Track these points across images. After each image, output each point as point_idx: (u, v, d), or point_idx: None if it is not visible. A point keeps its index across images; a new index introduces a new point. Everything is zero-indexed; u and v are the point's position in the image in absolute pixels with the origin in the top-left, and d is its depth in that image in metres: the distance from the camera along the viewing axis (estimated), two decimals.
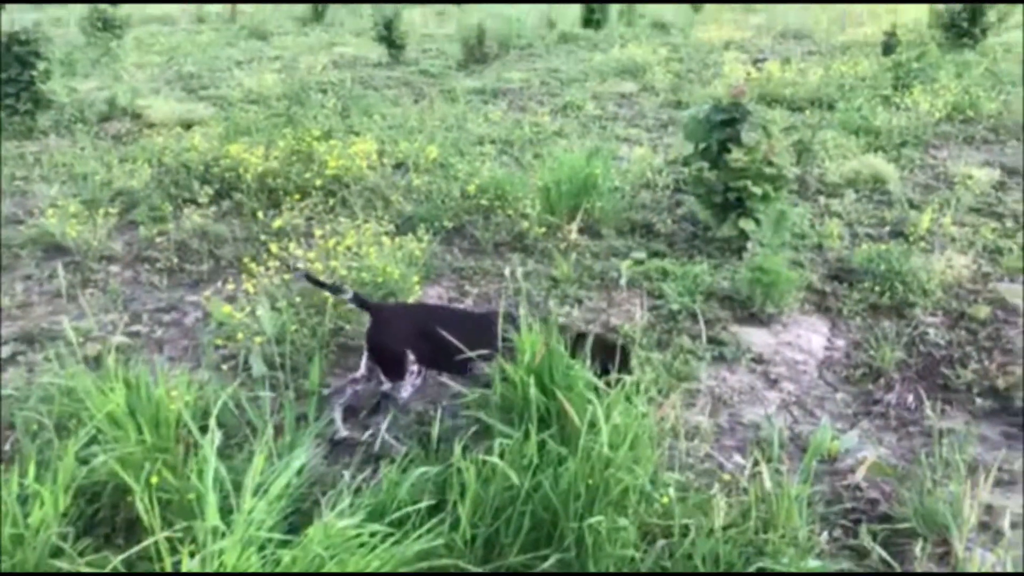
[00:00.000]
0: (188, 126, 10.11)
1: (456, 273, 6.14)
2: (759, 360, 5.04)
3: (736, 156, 6.06)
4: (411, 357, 4.14)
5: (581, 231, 6.82)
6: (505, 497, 2.79)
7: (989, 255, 6.49)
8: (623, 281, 5.65)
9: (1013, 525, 3.75)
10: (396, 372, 4.14)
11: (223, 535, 2.69)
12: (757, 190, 6.00)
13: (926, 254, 6.30)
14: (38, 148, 9.23)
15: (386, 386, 4.19)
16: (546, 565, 2.69)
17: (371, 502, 2.81)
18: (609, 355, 4.15)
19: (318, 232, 5.86)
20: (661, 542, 2.73)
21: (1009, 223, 7.15)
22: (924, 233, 6.72)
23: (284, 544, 2.78)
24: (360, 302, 4.56)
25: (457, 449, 2.85)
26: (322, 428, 3.84)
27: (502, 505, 2.80)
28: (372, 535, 2.66)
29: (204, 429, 3.95)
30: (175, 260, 6.33)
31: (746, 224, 6.04)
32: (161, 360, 4.95)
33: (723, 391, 4.69)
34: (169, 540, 2.82)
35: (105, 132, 10.01)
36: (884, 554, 3.15)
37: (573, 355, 3.81)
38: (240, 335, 4.63)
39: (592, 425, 3.21)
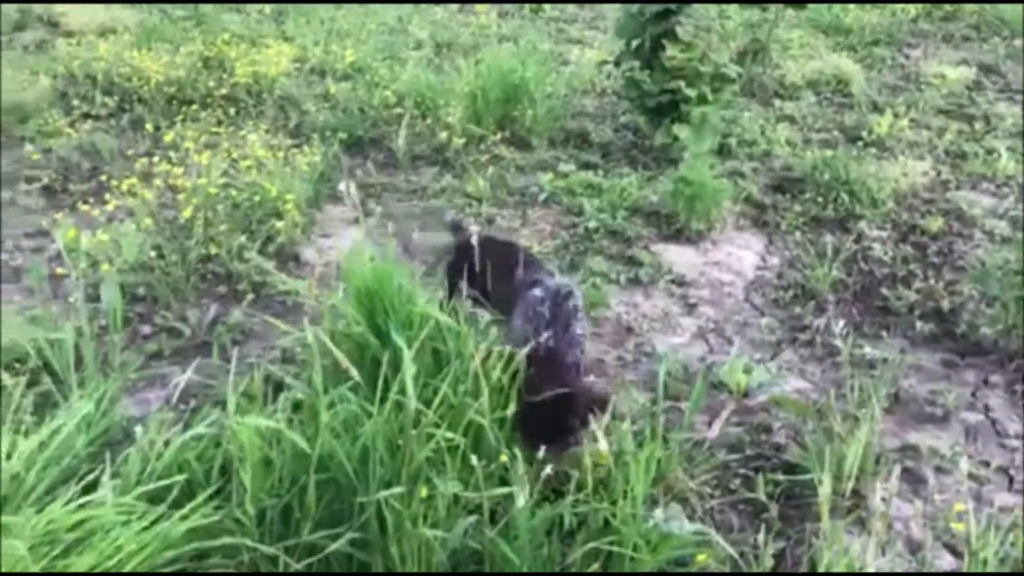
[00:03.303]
0: (112, 33, 9.38)
1: (363, 190, 5.56)
2: (679, 282, 4.53)
3: (671, 53, 5.42)
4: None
5: (509, 142, 6.22)
6: (300, 465, 2.31)
7: (951, 160, 5.92)
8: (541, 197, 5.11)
9: (939, 470, 3.31)
10: None
11: None
12: (692, 92, 5.38)
13: (879, 161, 5.72)
14: None
15: None
16: (337, 545, 2.23)
17: (138, 471, 2.34)
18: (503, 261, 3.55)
19: (189, 145, 5.26)
20: (469, 519, 2.25)
21: (978, 125, 6.55)
22: (882, 137, 6.12)
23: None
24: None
25: (231, 406, 2.35)
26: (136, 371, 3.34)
27: (297, 474, 2.32)
28: (127, 513, 2.19)
29: (32, 373, 3.50)
30: (59, 179, 5.76)
31: (680, 130, 5.44)
32: (15, 291, 4.45)
33: (632, 318, 4.19)
34: None
35: (17, 42, 9.27)
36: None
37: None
38: (83, 263, 4.09)
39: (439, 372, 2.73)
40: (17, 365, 3.49)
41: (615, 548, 2.29)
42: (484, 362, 2.47)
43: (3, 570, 1.91)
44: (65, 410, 2.69)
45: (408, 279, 2.91)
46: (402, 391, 2.34)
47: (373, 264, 2.79)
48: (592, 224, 4.89)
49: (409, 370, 2.31)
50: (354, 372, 2.38)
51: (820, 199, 5.22)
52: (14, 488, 2.43)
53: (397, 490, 2.19)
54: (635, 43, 5.71)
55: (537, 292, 2.94)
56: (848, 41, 8.70)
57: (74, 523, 2.15)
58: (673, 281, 4.52)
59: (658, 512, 2.32)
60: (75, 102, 7.00)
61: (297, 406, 2.58)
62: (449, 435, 2.33)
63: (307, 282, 2.65)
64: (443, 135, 6.04)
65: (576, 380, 2.85)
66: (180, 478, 2.28)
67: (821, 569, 2.46)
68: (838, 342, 3.64)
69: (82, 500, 2.18)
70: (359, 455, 2.30)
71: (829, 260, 4.57)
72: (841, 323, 4.08)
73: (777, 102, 7.04)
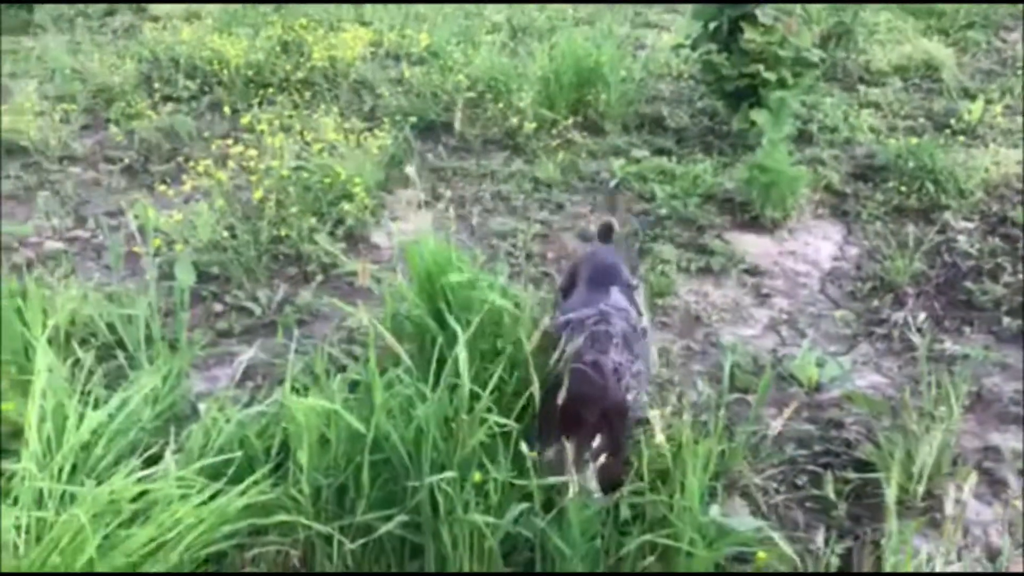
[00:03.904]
0: (196, 18, 9.60)
1: (433, 173, 5.57)
2: (753, 272, 4.41)
3: (749, 37, 5.27)
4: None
5: (582, 127, 6.15)
6: (356, 445, 2.31)
7: None
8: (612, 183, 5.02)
9: (1022, 473, 3.15)
10: None
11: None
12: (771, 76, 5.23)
13: (969, 149, 5.47)
14: (34, 44, 8.83)
15: None
16: (390, 526, 2.22)
17: (192, 447, 2.37)
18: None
19: (264, 128, 5.32)
20: (518, 507, 2.21)
21: None
22: (972, 124, 5.85)
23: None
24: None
25: (287, 385, 2.37)
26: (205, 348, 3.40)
27: (352, 454, 2.32)
28: (186, 487, 2.22)
29: (106, 348, 3.59)
30: (141, 160, 5.91)
31: (758, 116, 5.28)
32: (94, 268, 4.58)
33: (702, 307, 4.09)
34: None
35: (107, 27, 9.55)
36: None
37: None
38: (157, 242, 4.18)
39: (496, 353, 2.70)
40: (92, 339, 3.59)
41: (670, 542, 2.23)
42: (538, 349, 2.43)
43: (64, 537, 1.96)
44: (133, 384, 2.74)
45: (468, 263, 2.88)
46: (456, 374, 2.32)
47: (434, 248, 2.77)
48: (663, 211, 4.80)
49: (462, 354, 2.29)
50: (404, 355, 2.37)
51: (904, 188, 5.02)
52: (83, 458, 2.50)
53: (449, 474, 2.18)
54: (712, 26, 5.58)
55: (562, 319, 2.81)
56: (940, 24, 8.35)
57: (136, 495, 2.19)
58: (746, 271, 4.40)
59: (714, 507, 2.25)
60: (157, 85, 7.17)
61: (356, 386, 2.59)
62: (502, 420, 2.31)
63: (361, 266, 2.64)
64: (514, 119, 6.00)
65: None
66: (238, 454, 2.31)
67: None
68: (916, 337, 3.50)
69: (145, 472, 2.22)
70: (413, 437, 2.29)
71: (911, 251, 4.39)
72: (921, 317, 3.94)
73: (862, 88, 6.80)
